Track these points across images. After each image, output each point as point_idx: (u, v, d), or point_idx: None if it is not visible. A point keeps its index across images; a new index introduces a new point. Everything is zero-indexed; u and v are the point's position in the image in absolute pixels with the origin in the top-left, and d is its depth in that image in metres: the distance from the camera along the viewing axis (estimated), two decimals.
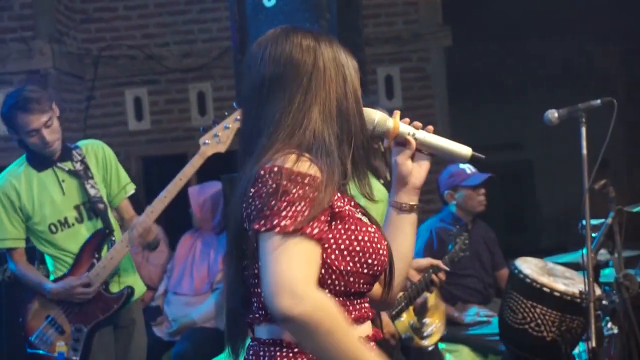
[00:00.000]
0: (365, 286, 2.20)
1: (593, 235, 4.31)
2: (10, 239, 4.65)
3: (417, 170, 2.44)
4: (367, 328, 2.26)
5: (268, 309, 1.99)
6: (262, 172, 2.06)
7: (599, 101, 4.20)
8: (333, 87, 2.21)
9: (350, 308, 2.20)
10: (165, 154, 9.05)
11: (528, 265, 4.77)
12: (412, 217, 2.44)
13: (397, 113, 2.38)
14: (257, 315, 2.18)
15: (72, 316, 4.61)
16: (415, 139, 2.39)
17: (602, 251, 4.50)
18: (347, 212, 2.17)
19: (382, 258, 2.21)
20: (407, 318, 4.70)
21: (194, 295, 6.23)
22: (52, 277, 4.67)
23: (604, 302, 4.34)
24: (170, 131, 9.08)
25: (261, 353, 2.15)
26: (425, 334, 4.72)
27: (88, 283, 4.55)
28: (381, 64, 8.90)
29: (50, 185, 4.66)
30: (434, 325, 4.83)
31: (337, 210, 2.15)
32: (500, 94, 10.75)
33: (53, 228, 4.64)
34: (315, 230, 2.02)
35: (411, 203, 2.44)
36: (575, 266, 5.05)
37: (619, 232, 4.41)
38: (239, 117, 4.59)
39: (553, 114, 4.27)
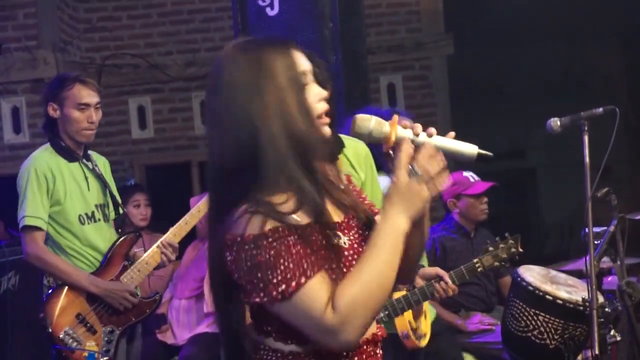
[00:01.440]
0: None
1: (596, 242, 4.32)
2: (43, 219, 4.53)
3: None
4: (372, 326, 2.30)
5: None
6: (229, 242, 2.12)
7: (601, 109, 4.20)
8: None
9: None
10: (169, 163, 9.07)
11: (531, 273, 4.77)
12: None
13: (395, 117, 2.30)
14: (262, 328, 2.25)
15: (105, 317, 4.57)
16: (416, 143, 2.26)
17: (605, 259, 4.50)
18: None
19: None
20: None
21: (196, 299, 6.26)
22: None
23: (606, 309, 4.35)
24: (174, 140, 9.10)
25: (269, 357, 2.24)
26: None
27: (134, 292, 4.62)
28: (384, 73, 8.92)
29: (79, 177, 4.65)
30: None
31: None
32: (502, 101, 10.76)
33: (82, 219, 4.61)
34: (309, 270, 2.09)
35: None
36: (578, 274, 5.06)
37: (622, 239, 4.41)
38: None
39: (555, 123, 4.27)
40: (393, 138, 2.26)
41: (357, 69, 5.53)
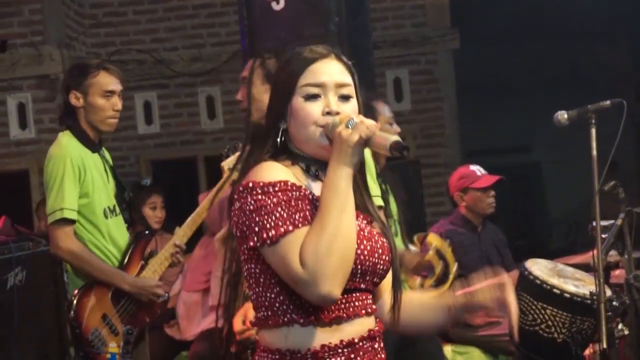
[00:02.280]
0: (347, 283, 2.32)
1: (603, 236, 4.31)
2: (74, 210, 4.41)
3: None
4: (368, 322, 2.39)
5: (310, 301, 2.27)
6: (240, 189, 2.32)
7: (608, 102, 4.19)
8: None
9: (340, 305, 2.34)
10: (175, 158, 9.08)
11: (538, 267, 4.76)
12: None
13: (344, 116, 2.36)
14: (257, 318, 2.40)
15: (125, 317, 4.53)
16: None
17: (612, 252, 4.49)
18: None
19: (359, 255, 2.33)
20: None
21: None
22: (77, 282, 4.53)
23: (614, 303, 4.34)
24: (180, 135, 9.11)
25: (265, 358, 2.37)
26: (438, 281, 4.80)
27: (159, 284, 4.61)
28: (389, 67, 8.91)
29: (101, 169, 4.58)
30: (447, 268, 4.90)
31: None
32: (508, 96, 10.75)
33: (106, 213, 4.53)
34: (298, 220, 2.26)
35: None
36: (585, 268, 5.05)
37: (629, 233, 4.40)
38: None
39: (562, 116, 4.26)
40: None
41: (363, 63, 5.52)
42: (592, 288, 4.12)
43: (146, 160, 9.08)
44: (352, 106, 2.40)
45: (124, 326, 4.52)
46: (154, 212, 6.49)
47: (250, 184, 2.29)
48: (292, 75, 2.39)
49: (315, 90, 2.37)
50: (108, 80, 4.55)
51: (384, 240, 2.43)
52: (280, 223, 2.25)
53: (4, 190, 8.07)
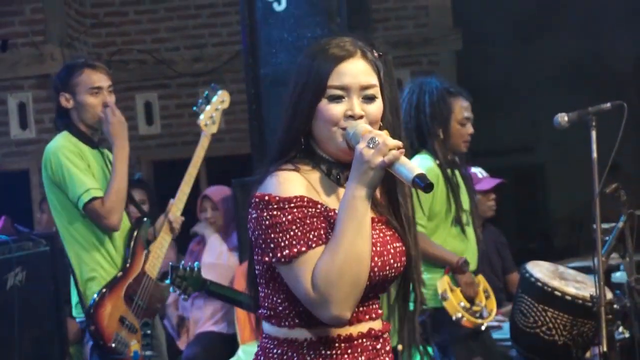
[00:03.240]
0: None
1: (605, 239, 4.30)
2: (96, 187, 4.37)
3: None
4: (370, 324, 2.40)
5: (322, 319, 2.28)
6: (257, 200, 2.31)
7: (609, 104, 4.19)
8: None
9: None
10: (176, 158, 9.05)
11: (539, 269, 4.75)
12: None
13: (366, 132, 2.33)
14: (263, 312, 2.41)
15: (140, 312, 4.53)
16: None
17: (614, 255, 4.48)
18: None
19: (370, 273, 2.31)
20: (454, 299, 4.74)
21: None
22: (90, 285, 4.48)
23: (615, 306, 4.32)
24: (181, 135, 9.09)
25: (268, 344, 2.39)
26: (477, 315, 4.78)
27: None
28: None
29: (101, 165, 4.56)
30: (486, 308, 4.88)
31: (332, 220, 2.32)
32: (511, 97, 10.73)
33: None
34: (313, 240, 2.26)
35: None
36: (586, 270, 5.03)
37: (631, 235, 4.39)
38: (225, 99, 5.01)
39: (563, 118, 4.26)
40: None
41: None
42: (594, 291, 4.11)
43: (147, 160, 9.08)
44: (376, 106, 2.38)
45: (139, 321, 4.54)
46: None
47: (267, 198, 2.29)
48: (321, 76, 2.35)
49: (339, 93, 2.35)
50: (94, 78, 4.51)
51: (398, 245, 2.42)
52: (294, 242, 2.25)
53: (5, 190, 8.06)
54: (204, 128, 4.97)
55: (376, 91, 2.39)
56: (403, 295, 2.53)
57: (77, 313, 4.57)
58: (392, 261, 2.37)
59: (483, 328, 4.86)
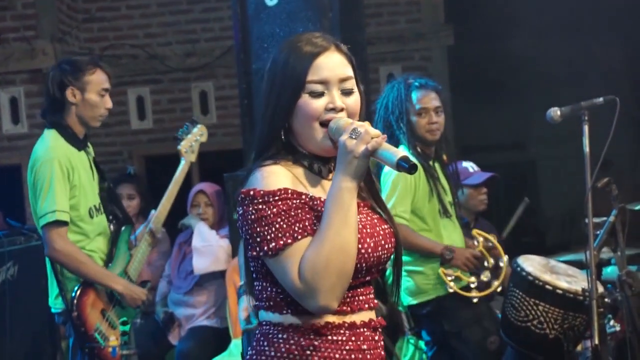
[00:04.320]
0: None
1: (596, 233, 4.31)
2: (66, 212, 4.41)
3: None
4: (370, 314, 2.43)
5: (309, 309, 2.31)
6: (242, 196, 2.34)
7: (601, 99, 4.20)
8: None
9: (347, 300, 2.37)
10: (168, 153, 9.01)
11: (530, 263, 4.76)
12: None
13: (348, 124, 2.35)
14: (262, 304, 2.41)
15: (119, 310, 4.61)
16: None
17: (605, 249, 4.49)
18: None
19: (363, 254, 2.35)
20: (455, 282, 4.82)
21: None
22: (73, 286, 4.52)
23: (606, 299, 4.34)
24: (173, 130, 8.97)
25: (270, 330, 2.40)
26: (473, 286, 4.82)
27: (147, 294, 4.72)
28: (383, 63, 8.90)
29: (87, 167, 4.59)
30: (490, 272, 4.93)
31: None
32: (502, 93, 10.73)
33: (91, 212, 4.55)
34: (298, 232, 2.29)
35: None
36: (578, 265, 5.05)
37: (622, 230, 4.40)
38: (203, 132, 5.15)
39: (555, 112, 4.27)
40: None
41: (357, 59, 5.51)
42: (585, 284, 4.12)
43: (139, 155, 9.06)
44: (355, 99, 2.41)
45: (119, 318, 4.60)
46: (129, 202, 6.48)
47: (252, 193, 2.32)
48: (299, 72, 2.36)
49: (319, 87, 2.37)
50: (104, 79, 4.60)
51: (386, 227, 2.45)
52: (280, 235, 2.28)
53: None
54: (184, 155, 5.10)
55: (353, 84, 2.42)
56: (397, 276, 2.54)
57: (55, 305, 4.58)
58: (383, 242, 2.40)
59: (474, 300, 4.87)
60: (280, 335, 2.36)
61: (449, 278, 4.81)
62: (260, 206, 2.29)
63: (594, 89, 4.72)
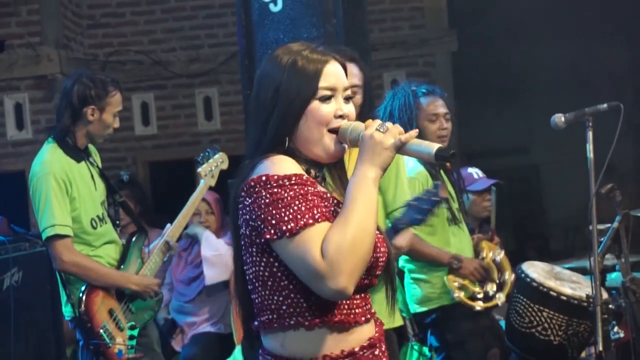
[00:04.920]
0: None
1: (600, 239, 4.30)
2: (71, 226, 4.48)
3: None
4: (368, 330, 2.44)
5: (322, 296, 2.29)
6: (252, 183, 2.32)
7: (605, 105, 4.19)
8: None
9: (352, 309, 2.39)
10: (172, 159, 9.06)
11: (535, 269, 4.76)
12: None
13: (369, 121, 2.42)
14: (260, 322, 2.40)
15: (129, 314, 4.64)
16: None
17: (609, 255, 4.49)
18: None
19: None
20: (463, 292, 4.81)
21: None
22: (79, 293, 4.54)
23: (610, 306, 4.33)
24: (177, 136, 9.10)
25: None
26: (479, 296, 4.81)
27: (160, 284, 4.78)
28: (387, 69, 8.91)
29: (87, 178, 4.63)
30: (492, 291, 4.93)
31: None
32: (506, 98, 10.73)
33: (94, 223, 4.59)
34: (317, 215, 2.28)
35: None
36: (582, 271, 5.04)
37: (626, 236, 4.40)
38: (224, 159, 5.16)
39: (560, 118, 4.26)
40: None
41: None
42: (589, 291, 4.11)
43: (143, 161, 9.07)
44: (352, 107, 2.46)
45: (127, 322, 4.61)
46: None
47: (264, 177, 2.30)
48: (312, 77, 2.40)
49: (329, 93, 2.41)
50: (120, 101, 4.70)
51: (377, 232, 2.45)
52: (299, 216, 2.26)
53: (1, 190, 8.06)
54: (204, 177, 5.13)
55: (350, 92, 2.48)
56: (391, 282, 2.57)
57: (67, 312, 4.62)
58: (378, 245, 2.42)
59: (477, 309, 4.86)
60: None
61: (455, 285, 4.81)
62: (275, 189, 2.28)
63: (598, 94, 4.73)
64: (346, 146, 2.43)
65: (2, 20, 8.43)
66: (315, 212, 2.27)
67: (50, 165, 4.48)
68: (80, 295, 4.47)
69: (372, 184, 2.31)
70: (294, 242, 2.25)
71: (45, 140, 4.64)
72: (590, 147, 4.12)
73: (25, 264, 5.30)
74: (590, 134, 4.15)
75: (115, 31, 9.09)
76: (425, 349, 5.17)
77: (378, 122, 2.38)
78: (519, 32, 9.98)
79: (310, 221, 2.26)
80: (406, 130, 4.69)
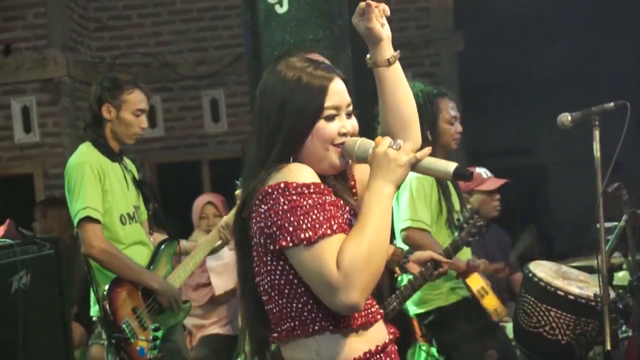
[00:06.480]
0: None
1: (607, 238, 4.30)
2: (102, 212, 4.53)
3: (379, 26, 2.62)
4: (384, 327, 2.47)
5: (332, 308, 2.28)
6: (269, 190, 2.28)
7: (612, 104, 4.19)
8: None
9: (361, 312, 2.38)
10: (179, 161, 9.08)
11: (542, 269, 4.76)
12: (397, 69, 2.60)
13: (379, 139, 2.42)
14: (281, 331, 2.38)
15: (153, 315, 4.64)
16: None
17: (616, 254, 4.49)
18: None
19: None
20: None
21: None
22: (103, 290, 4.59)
23: (618, 305, 4.33)
24: (184, 138, 9.11)
25: None
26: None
27: (180, 297, 4.74)
28: None
29: (120, 177, 4.70)
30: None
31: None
32: (512, 98, 10.73)
33: (123, 219, 4.65)
34: (335, 226, 2.27)
35: (389, 56, 2.59)
36: (589, 270, 5.04)
37: (633, 234, 4.40)
38: None
39: (566, 118, 4.26)
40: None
41: (366, 66, 5.52)
42: (596, 290, 4.12)
43: (151, 163, 9.09)
44: (354, 122, 2.47)
45: (152, 322, 4.62)
46: None
47: (282, 185, 2.29)
48: (318, 97, 2.40)
49: (334, 112, 2.42)
50: (141, 99, 4.74)
51: None
52: (317, 225, 2.26)
53: (8, 193, 8.08)
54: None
55: (351, 107, 2.49)
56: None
57: (94, 312, 4.68)
58: None
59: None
60: None
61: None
62: (294, 197, 2.27)
63: (604, 94, 4.73)
64: (350, 161, 2.45)
65: (9, 24, 8.46)
66: (332, 222, 2.27)
67: (86, 156, 4.60)
68: (105, 290, 4.52)
69: (387, 200, 2.31)
70: (310, 252, 2.25)
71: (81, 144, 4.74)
72: (597, 146, 4.11)
73: (33, 266, 5.30)
74: (597, 133, 4.15)
75: (122, 34, 9.11)
76: (434, 350, 5.17)
77: (389, 139, 2.38)
78: (525, 32, 9.98)
79: (329, 231, 2.25)
80: (431, 133, 4.65)
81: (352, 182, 2.62)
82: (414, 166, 2.35)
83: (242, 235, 2.42)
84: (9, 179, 8.41)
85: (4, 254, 4.94)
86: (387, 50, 2.58)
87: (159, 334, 4.63)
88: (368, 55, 2.59)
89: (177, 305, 4.66)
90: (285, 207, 2.27)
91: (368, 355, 2.36)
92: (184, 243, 5.00)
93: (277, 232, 2.28)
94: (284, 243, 2.27)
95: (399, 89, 2.57)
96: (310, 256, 2.24)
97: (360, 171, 2.60)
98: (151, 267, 4.71)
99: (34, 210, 7.19)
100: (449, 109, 4.89)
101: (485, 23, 9.50)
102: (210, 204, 6.37)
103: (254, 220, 2.34)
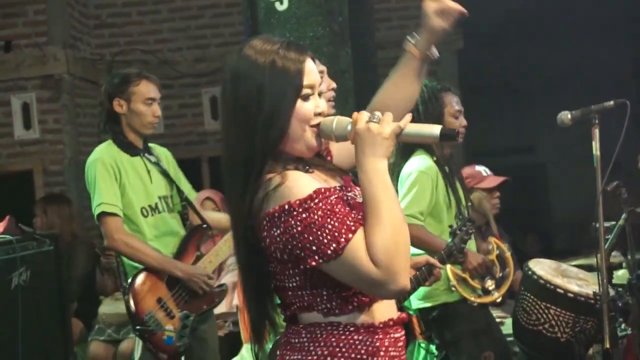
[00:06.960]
0: None
1: (607, 237, 4.31)
2: (119, 206, 4.65)
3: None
4: (388, 309, 2.44)
5: (384, 299, 2.37)
6: (275, 214, 2.26)
7: (612, 102, 4.19)
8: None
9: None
10: (179, 159, 9.00)
11: (542, 267, 4.77)
12: (426, 66, 2.79)
13: (355, 114, 2.38)
14: (296, 307, 2.38)
15: (181, 303, 4.69)
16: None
17: (615, 253, 4.49)
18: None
19: None
20: (463, 286, 4.80)
21: None
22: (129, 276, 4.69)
23: (617, 303, 4.34)
24: (184, 135, 9.12)
25: (318, 332, 2.37)
26: (477, 291, 4.79)
27: (212, 277, 4.80)
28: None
29: (141, 171, 4.78)
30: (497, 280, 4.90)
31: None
32: (512, 97, 10.74)
33: (144, 212, 4.73)
34: (352, 225, 2.24)
35: (433, 54, 2.76)
36: (588, 268, 5.05)
37: (632, 233, 4.41)
38: None
39: (566, 116, 4.27)
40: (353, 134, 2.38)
41: (367, 64, 5.52)
42: (596, 288, 4.12)
43: None
44: (324, 101, 2.46)
45: (180, 311, 4.67)
46: None
47: (287, 206, 2.25)
48: (296, 76, 2.36)
49: (309, 91, 2.39)
50: (149, 88, 4.81)
51: None
52: (336, 234, 2.23)
53: (8, 190, 8.09)
54: None
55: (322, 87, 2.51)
56: None
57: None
58: None
59: (474, 302, 4.84)
60: (354, 336, 2.35)
61: (455, 276, 4.79)
62: (303, 215, 2.23)
63: (604, 93, 4.73)
64: (328, 140, 2.44)
65: (9, 21, 8.46)
66: (348, 222, 2.24)
67: (100, 153, 4.72)
68: (128, 283, 4.61)
69: (385, 175, 2.29)
70: (341, 262, 2.23)
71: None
72: (596, 144, 4.12)
73: (33, 263, 5.31)
74: (596, 132, 4.15)
75: (121, 31, 9.11)
76: (433, 347, 5.18)
77: (366, 113, 2.34)
78: (525, 31, 9.99)
79: (350, 235, 2.23)
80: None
81: (329, 158, 2.60)
82: (399, 135, 2.33)
83: (248, 243, 2.36)
84: (8, 175, 8.41)
85: (3, 250, 4.95)
86: (434, 48, 2.70)
87: (188, 321, 4.67)
88: (413, 40, 2.73)
89: (206, 287, 4.72)
90: (300, 228, 2.23)
91: (391, 322, 2.40)
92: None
93: (302, 254, 2.25)
94: (313, 263, 2.25)
95: (418, 83, 2.71)
96: (344, 265, 2.24)
97: (337, 146, 2.60)
98: (178, 255, 4.76)
99: (34, 206, 7.21)
100: (453, 103, 4.89)
101: (485, 22, 9.50)
102: (209, 200, 6.39)
103: (268, 241, 2.29)
